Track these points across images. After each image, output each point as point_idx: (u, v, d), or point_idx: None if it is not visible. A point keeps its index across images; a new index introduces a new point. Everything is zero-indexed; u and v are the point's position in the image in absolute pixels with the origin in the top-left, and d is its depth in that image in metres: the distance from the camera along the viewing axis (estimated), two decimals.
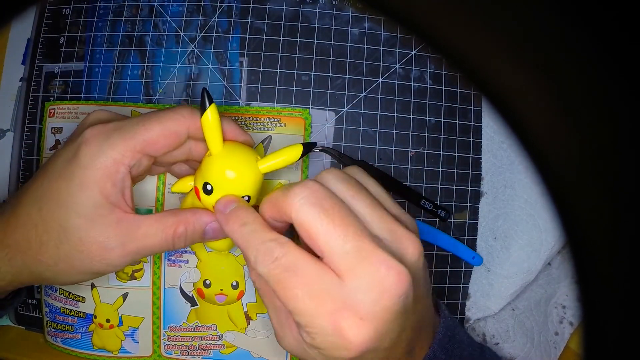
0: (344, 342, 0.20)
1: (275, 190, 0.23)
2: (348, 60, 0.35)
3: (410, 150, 0.35)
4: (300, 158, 0.26)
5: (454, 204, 0.36)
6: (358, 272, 0.20)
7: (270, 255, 0.21)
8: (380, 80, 0.36)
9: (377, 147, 0.35)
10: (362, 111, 0.35)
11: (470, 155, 0.36)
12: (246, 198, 0.26)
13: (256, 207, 0.25)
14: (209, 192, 0.25)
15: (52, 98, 0.36)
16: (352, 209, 0.22)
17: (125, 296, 0.33)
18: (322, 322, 0.20)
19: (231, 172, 0.25)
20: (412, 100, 0.36)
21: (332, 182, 0.23)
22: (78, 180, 0.23)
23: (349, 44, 0.36)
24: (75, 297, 0.33)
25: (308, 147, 0.27)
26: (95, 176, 0.23)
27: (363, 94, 0.35)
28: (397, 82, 0.36)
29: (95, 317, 0.33)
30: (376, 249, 0.20)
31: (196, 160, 0.28)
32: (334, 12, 0.36)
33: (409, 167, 0.36)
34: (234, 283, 0.32)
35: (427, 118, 0.36)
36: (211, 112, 0.24)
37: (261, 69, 0.35)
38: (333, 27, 0.36)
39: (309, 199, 0.21)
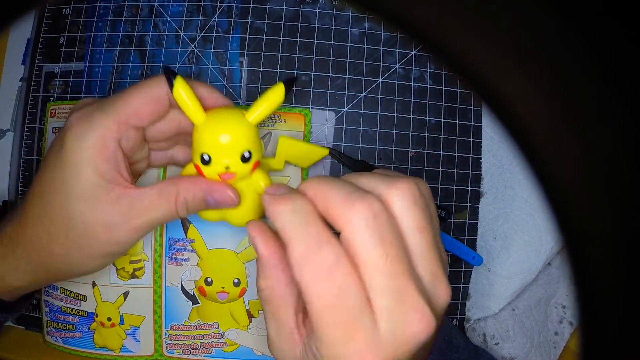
0: None
1: (329, 181, 0.22)
2: (348, 60, 0.39)
3: (410, 150, 0.39)
4: (285, 96, 0.27)
5: (454, 204, 0.39)
6: (394, 314, 0.20)
7: (327, 258, 0.20)
8: (380, 80, 0.39)
9: (377, 147, 0.38)
10: (362, 111, 0.38)
11: (470, 155, 0.39)
12: (247, 154, 0.27)
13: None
14: (207, 162, 0.26)
15: (52, 98, 0.39)
16: (408, 241, 0.22)
17: (126, 295, 0.36)
18: (346, 353, 0.21)
19: (223, 134, 0.26)
20: (412, 100, 0.39)
21: (403, 202, 0.22)
22: (69, 165, 0.25)
23: (349, 44, 0.39)
24: (76, 296, 0.36)
25: (289, 84, 0.27)
26: (85, 157, 0.25)
27: (363, 94, 0.38)
28: (397, 82, 0.39)
29: (97, 316, 0.36)
30: (416, 294, 0.21)
31: (188, 133, 0.29)
32: (334, 12, 0.39)
33: (409, 167, 0.39)
34: (236, 280, 0.35)
35: (427, 118, 0.39)
36: (179, 85, 0.25)
37: (261, 69, 0.38)
38: (333, 27, 0.39)
39: (370, 222, 0.20)
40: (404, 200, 0.22)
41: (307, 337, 0.23)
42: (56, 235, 0.26)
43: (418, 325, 0.21)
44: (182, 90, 0.25)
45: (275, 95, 0.27)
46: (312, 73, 0.38)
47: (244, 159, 0.27)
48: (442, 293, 0.23)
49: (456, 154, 0.39)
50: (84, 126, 0.26)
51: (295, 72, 0.38)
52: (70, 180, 0.26)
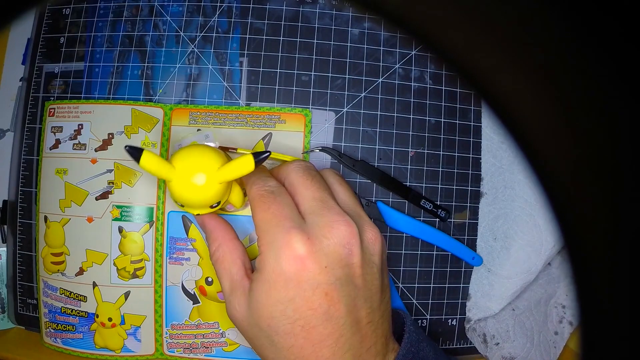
0: (290, 251, 0.27)
1: (261, 167, 0.32)
2: (348, 60, 0.40)
3: (410, 150, 0.40)
4: (255, 167, 0.28)
5: (454, 204, 0.40)
6: (317, 214, 0.29)
7: (265, 182, 0.31)
8: (380, 80, 0.40)
9: (377, 147, 0.39)
10: (362, 111, 0.40)
11: (470, 155, 0.41)
12: (215, 205, 0.30)
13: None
14: (182, 207, 0.31)
15: (52, 98, 0.40)
16: (296, 193, 0.30)
17: (127, 294, 0.37)
18: (276, 235, 0.28)
19: (188, 197, 0.29)
20: (412, 100, 0.40)
21: (290, 171, 0.31)
22: None
23: (349, 44, 0.40)
24: (76, 297, 0.37)
25: (259, 157, 0.28)
26: None
27: (363, 94, 0.40)
28: (397, 82, 0.40)
29: (97, 316, 0.37)
30: (336, 205, 0.29)
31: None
32: (334, 12, 0.40)
33: (409, 167, 0.40)
34: None
35: (427, 118, 0.40)
36: (146, 159, 0.27)
37: (261, 69, 0.39)
38: (333, 27, 0.40)
39: (257, 191, 0.30)
40: (293, 167, 0.32)
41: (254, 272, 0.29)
42: None
43: (338, 221, 0.28)
44: (149, 162, 0.27)
45: (244, 165, 0.28)
46: (312, 73, 0.39)
47: (212, 207, 0.31)
48: (330, 232, 0.28)
49: (456, 154, 0.40)
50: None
51: (295, 72, 0.39)
52: None
